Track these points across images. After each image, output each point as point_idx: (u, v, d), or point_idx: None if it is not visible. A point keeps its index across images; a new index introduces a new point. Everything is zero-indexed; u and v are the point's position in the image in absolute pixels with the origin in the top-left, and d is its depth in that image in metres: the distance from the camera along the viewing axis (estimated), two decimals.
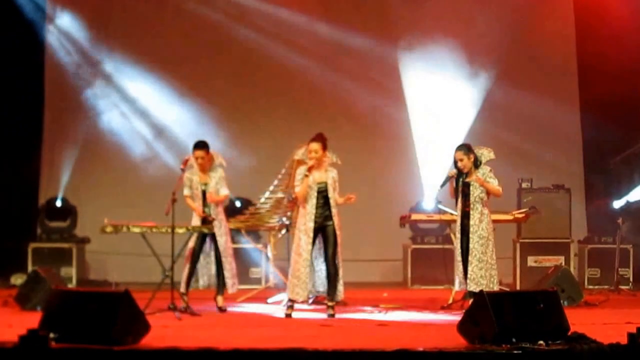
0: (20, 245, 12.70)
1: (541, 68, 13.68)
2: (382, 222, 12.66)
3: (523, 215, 11.09)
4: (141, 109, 13.68)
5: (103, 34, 13.71)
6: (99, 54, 13.70)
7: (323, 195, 9.43)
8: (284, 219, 10.89)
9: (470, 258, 9.55)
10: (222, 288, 9.97)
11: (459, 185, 9.74)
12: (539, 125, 13.47)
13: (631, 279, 12.29)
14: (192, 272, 9.92)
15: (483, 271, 9.51)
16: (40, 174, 13.63)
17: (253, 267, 12.57)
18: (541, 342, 6.76)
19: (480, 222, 9.59)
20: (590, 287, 12.17)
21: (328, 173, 9.48)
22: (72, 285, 12.26)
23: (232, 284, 9.98)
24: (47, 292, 8.85)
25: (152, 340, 7.08)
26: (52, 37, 13.70)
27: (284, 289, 9.98)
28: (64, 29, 13.71)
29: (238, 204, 12.66)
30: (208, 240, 9.96)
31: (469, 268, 9.55)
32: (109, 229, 9.42)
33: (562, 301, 7.77)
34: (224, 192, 9.98)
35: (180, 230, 9.54)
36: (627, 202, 12.57)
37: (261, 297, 10.97)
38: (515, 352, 6.55)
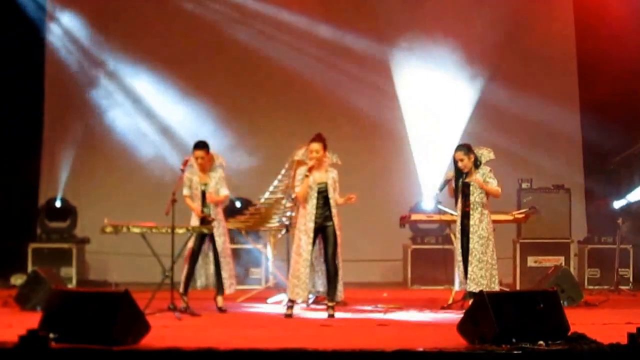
0: (20, 245, 12.70)
1: (541, 68, 13.68)
2: (382, 222, 12.65)
3: (523, 215, 11.09)
4: (142, 109, 13.68)
5: (104, 34, 13.70)
6: (99, 53, 13.69)
7: (323, 195, 9.43)
8: (284, 219, 10.89)
9: (470, 258, 9.56)
10: (222, 288, 9.97)
11: (459, 185, 9.74)
12: (538, 125, 13.46)
13: (631, 279, 12.29)
14: (192, 273, 9.92)
15: (483, 271, 9.52)
16: (40, 174, 13.62)
17: (253, 267, 12.57)
18: (541, 342, 6.76)
19: (481, 222, 9.59)
20: (590, 287, 12.17)
21: (328, 173, 9.49)
22: (72, 285, 12.25)
23: (229, 285, 9.98)
24: (47, 293, 8.84)
25: (152, 340, 7.08)
26: (52, 37, 13.70)
27: (284, 289, 9.98)
28: (64, 28, 13.71)
29: (238, 204, 12.67)
30: (206, 240, 9.96)
31: (469, 268, 9.56)
32: (109, 229, 9.42)
33: (562, 301, 7.77)
34: (224, 192, 9.98)
35: (180, 231, 9.54)
36: (627, 202, 12.57)
37: (261, 298, 10.97)
38: (515, 352, 6.55)
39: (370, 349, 6.73)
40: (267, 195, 11.02)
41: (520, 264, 12.15)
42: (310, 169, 9.33)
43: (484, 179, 9.64)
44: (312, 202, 9.41)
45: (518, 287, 11.88)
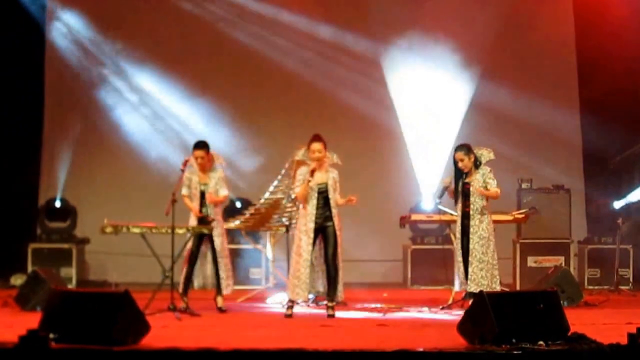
0: (20, 245, 12.70)
1: (541, 68, 13.68)
2: (382, 222, 12.65)
3: (523, 215, 11.10)
4: (142, 109, 13.68)
5: (104, 34, 13.70)
6: (100, 53, 13.69)
7: (323, 196, 9.44)
8: (284, 219, 10.89)
9: (470, 259, 9.56)
10: (220, 289, 9.98)
11: (459, 185, 9.75)
12: (538, 125, 13.46)
13: (631, 279, 12.29)
14: (191, 273, 9.92)
15: (484, 272, 9.52)
16: (40, 174, 13.63)
17: (253, 267, 12.57)
18: (541, 342, 6.76)
19: (481, 223, 9.59)
20: (590, 287, 12.18)
21: (328, 174, 9.49)
22: (72, 285, 12.25)
23: (226, 285, 9.98)
24: (47, 293, 8.83)
25: (152, 340, 7.08)
26: (52, 37, 13.70)
27: (284, 290, 9.98)
28: (65, 28, 13.71)
29: (238, 204, 12.67)
30: (204, 241, 9.96)
31: (470, 269, 9.56)
32: (108, 230, 9.42)
33: (562, 301, 7.77)
34: (224, 192, 9.98)
35: (180, 231, 9.54)
36: (627, 202, 12.57)
37: (261, 298, 10.97)
38: (515, 352, 6.55)
39: (370, 349, 6.73)
40: (267, 195, 11.02)
41: (520, 264, 12.15)
42: (312, 173, 9.33)
43: (484, 179, 9.64)
44: (313, 203, 9.41)
45: (518, 288, 11.88)
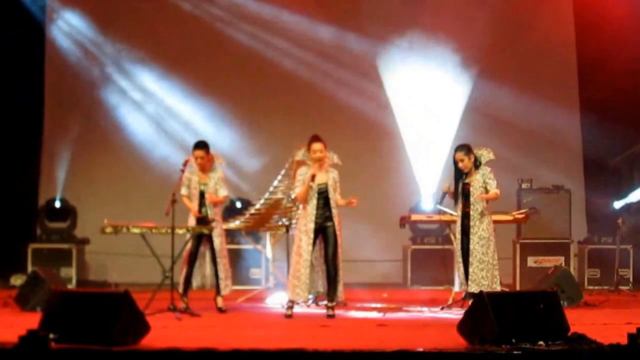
0: (20, 245, 12.69)
1: (541, 68, 13.68)
2: (382, 222, 12.65)
3: (523, 215, 11.10)
4: (143, 109, 13.68)
5: (105, 34, 13.70)
6: (100, 53, 13.70)
7: (324, 196, 9.44)
8: (284, 219, 10.89)
9: (470, 259, 9.55)
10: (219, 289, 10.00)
11: (459, 186, 9.75)
12: (538, 125, 13.46)
13: (631, 280, 12.29)
14: (190, 274, 9.92)
15: (484, 272, 9.51)
16: (40, 174, 13.63)
17: (253, 267, 12.58)
18: (541, 342, 6.76)
19: (481, 223, 9.59)
20: (590, 287, 12.18)
21: (329, 174, 9.49)
22: (72, 286, 12.25)
23: (225, 286, 9.98)
24: (47, 293, 8.84)
25: (152, 340, 7.08)
26: (53, 37, 13.70)
27: (284, 290, 9.98)
28: (65, 28, 13.71)
29: (238, 204, 12.68)
30: (203, 241, 9.96)
31: (470, 269, 9.55)
32: (108, 230, 9.42)
33: (562, 301, 7.77)
34: (223, 192, 9.99)
35: (180, 231, 9.54)
36: (628, 202, 12.57)
37: (261, 298, 10.97)
38: (515, 352, 6.55)
39: (370, 349, 6.72)
40: (267, 195, 11.02)
41: (520, 264, 12.15)
42: (312, 178, 9.33)
43: (484, 179, 9.64)
44: (313, 203, 9.41)
45: (518, 288, 11.88)
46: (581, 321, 8.02)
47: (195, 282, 10.05)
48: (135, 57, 13.65)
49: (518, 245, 12.21)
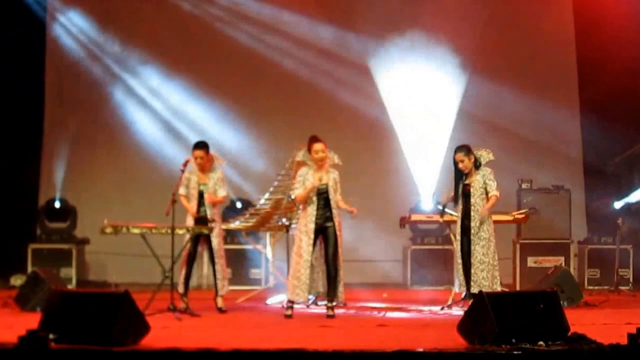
0: (20, 246, 12.69)
1: (541, 68, 13.67)
2: (382, 222, 12.65)
3: (523, 215, 11.09)
4: (143, 109, 13.67)
5: (105, 33, 13.68)
6: (100, 53, 13.69)
7: (324, 196, 9.45)
8: (284, 219, 10.89)
9: (472, 260, 9.55)
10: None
11: (460, 186, 9.75)
12: (538, 125, 13.46)
13: (631, 280, 12.28)
14: (190, 274, 9.92)
15: (485, 273, 9.51)
16: (40, 175, 13.62)
17: (253, 268, 12.58)
18: (541, 342, 6.76)
19: (482, 224, 9.58)
20: (590, 287, 12.17)
21: (329, 174, 9.50)
22: (71, 286, 12.24)
23: (222, 286, 9.98)
24: (46, 293, 8.84)
25: (152, 340, 7.09)
26: (53, 36, 13.69)
27: (284, 290, 9.98)
28: (65, 27, 13.70)
29: (239, 204, 12.67)
30: (201, 241, 9.95)
31: (471, 270, 9.55)
32: (108, 230, 9.42)
33: (562, 302, 7.77)
34: (222, 193, 9.99)
35: (180, 231, 9.54)
36: (628, 202, 12.57)
37: (261, 298, 10.97)
38: (515, 352, 6.55)
39: (370, 350, 6.73)
40: (267, 195, 11.02)
41: (520, 264, 12.15)
42: (312, 189, 9.34)
43: (484, 180, 9.63)
44: (313, 203, 9.41)
45: (518, 288, 11.88)
46: (581, 321, 8.03)
47: (192, 282, 10.04)
48: (135, 57, 13.64)
49: (518, 246, 12.20)
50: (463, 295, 9.87)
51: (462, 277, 9.71)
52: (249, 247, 12.29)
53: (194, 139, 10.78)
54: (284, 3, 13.63)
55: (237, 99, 13.59)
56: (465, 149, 9.75)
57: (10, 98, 13.13)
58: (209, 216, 9.85)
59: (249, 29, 13.59)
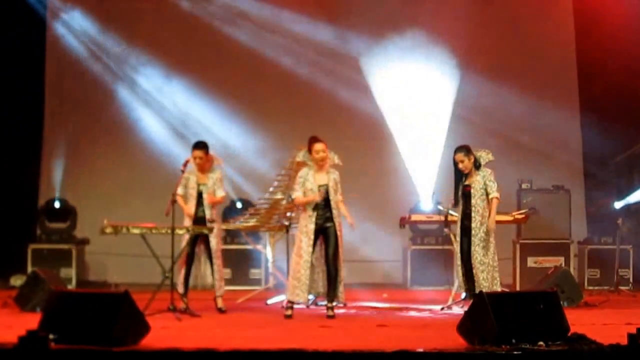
0: (19, 246, 12.68)
1: (541, 68, 13.67)
2: (382, 223, 12.65)
3: (523, 216, 11.09)
4: (143, 109, 13.66)
5: (106, 33, 13.66)
6: (100, 53, 13.68)
7: (324, 197, 9.43)
8: (284, 220, 10.89)
9: (472, 261, 9.55)
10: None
11: (460, 187, 9.74)
12: (538, 125, 13.46)
13: (631, 280, 12.28)
14: (189, 274, 9.91)
15: (485, 274, 9.51)
16: (40, 175, 13.62)
17: (253, 268, 12.58)
18: (541, 342, 6.76)
19: (482, 225, 9.58)
20: (590, 287, 12.17)
21: (329, 175, 9.50)
22: (71, 286, 12.24)
23: (219, 286, 9.97)
24: (46, 293, 8.83)
25: (151, 341, 7.09)
26: (53, 36, 13.69)
27: (284, 290, 9.98)
28: (65, 27, 13.70)
29: (239, 204, 12.67)
30: (198, 241, 9.95)
31: (472, 271, 9.55)
32: (108, 230, 9.42)
33: (562, 302, 7.77)
34: (221, 193, 9.99)
35: (180, 232, 9.54)
36: (627, 202, 12.57)
37: (261, 298, 10.97)
38: (515, 352, 6.55)
39: (370, 350, 6.73)
40: (267, 196, 11.02)
41: (520, 264, 12.14)
42: (311, 201, 9.36)
43: (484, 181, 9.63)
44: (314, 204, 9.42)
45: (518, 288, 11.88)
46: (581, 321, 8.03)
47: (189, 283, 10.04)
48: (136, 57, 13.64)
49: (518, 246, 12.20)
50: (463, 295, 9.87)
51: (462, 279, 9.71)
52: (249, 247, 12.29)
53: (194, 138, 10.77)
54: (284, 3, 13.63)
55: (238, 99, 13.58)
56: (465, 149, 9.75)
57: (10, 98, 13.12)
58: (207, 216, 9.85)
59: (250, 29, 13.58)
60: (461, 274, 9.71)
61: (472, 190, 9.64)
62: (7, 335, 6.85)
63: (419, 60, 13.23)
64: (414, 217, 11.43)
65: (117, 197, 13.30)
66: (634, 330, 6.45)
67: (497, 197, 9.59)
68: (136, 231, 9.48)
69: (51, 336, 6.60)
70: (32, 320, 7.20)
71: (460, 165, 9.69)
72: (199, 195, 9.90)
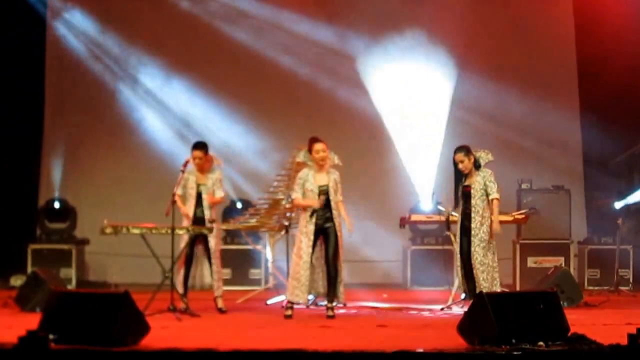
0: (19, 246, 12.68)
1: (541, 68, 13.67)
2: (382, 223, 12.65)
3: (523, 216, 11.09)
4: (143, 109, 13.66)
5: (106, 33, 13.66)
6: (100, 53, 13.68)
7: (325, 197, 9.43)
8: (284, 220, 10.89)
9: (472, 261, 9.55)
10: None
11: (460, 187, 9.74)
12: (538, 125, 13.46)
13: (631, 280, 12.26)
14: (188, 274, 9.91)
15: (485, 274, 9.50)
16: (40, 175, 13.62)
17: (253, 268, 12.58)
18: (541, 343, 6.76)
19: (482, 226, 9.57)
20: (590, 287, 12.16)
21: (330, 175, 9.50)
22: (71, 286, 12.24)
23: (218, 287, 9.96)
24: (46, 293, 8.83)
25: (151, 341, 7.08)
26: (53, 36, 13.69)
27: (284, 291, 9.98)
28: (66, 27, 13.70)
29: (239, 204, 12.67)
30: (196, 241, 9.95)
31: (472, 272, 9.55)
32: (108, 230, 9.42)
33: (562, 302, 7.77)
34: (220, 194, 9.99)
35: (180, 232, 9.54)
36: (627, 203, 12.56)
37: (261, 299, 10.96)
38: (515, 353, 6.55)
39: (370, 350, 6.73)
40: (266, 196, 11.02)
41: (520, 264, 12.14)
42: (310, 205, 9.37)
43: (484, 181, 9.62)
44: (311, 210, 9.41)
45: (518, 288, 11.87)
46: (581, 321, 8.03)
47: (188, 283, 10.03)
48: (136, 57, 13.64)
49: (518, 246, 12.19)
50: (462, 295, 9.87)
51: (461, 280, 9.71)
52: (248, 247, 12.28)
53: (194, 138, 10.77)
54: (284, 2, 13.63)
55: (238, 99, 13.57)
56: (464, 149, 9.74)
57: (10, 98, 13.12)
58: (207, 217, 9.85)
59: (250, 28, 13.58)
60: (461, 274, 9.70)
61: (472, 191, 9.64)
62: (7, 335, 6.86)
63: (419, 60, 13.23)
64: (414, 217, 11.43)
65: (117, 197, 13.30)
66: (634, 330, 6.45)
67: (497, 198, 9.59)
68: (136, 231, 9.48)
69: (51, 336, 6.60)
70: (32, 320, 7.20)
71: (460, 166, 9.68)
72: (198, 195, 9.90)
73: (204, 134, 12.64)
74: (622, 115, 12.97)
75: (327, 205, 9.44)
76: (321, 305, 9.83)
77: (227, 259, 11.94)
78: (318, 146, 9.43)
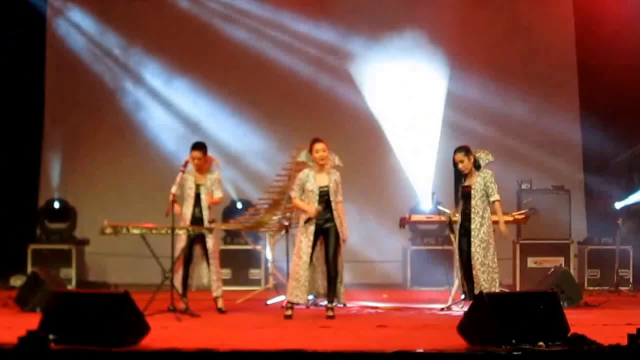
0: (19, 246, 12.68)
1: (541, 68, 13.67)
2: (382, 223, 12.65)
3: (523, 216, 11.09)
4: (143, 109, 13.66)
5: (107, 32, 13.67)
6: (100, 53, 13.68)
7: (325, 198, 9.44)
8: (284, 220, 10.89)
9: (472, 262, 9.54)
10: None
11: (460, 188, 9.74)
12: (538, 126, 13.46)
13: (631, 280, 12.27)
14: (187, 274, 9.91)
15: (485, 275, 9.49)
16: (40, 175, 13.62)
17: (252, 268, 12.58)
18: (541, 343, 6.76)
19: (482, 226, 9.56)
20: (590, 288, 12.17)
21: (330, 175, 9.49)
22: (71, 286, 12.24)
23: (217, 287, 9.96)
24: (46, 294, 8.84)
25: (151, 341, 7.08)
26: (54, 36, 13.69)
27: (284, 291, 9.98)
28: (66, 27, 13.70)
29: (239, 204, 12.67)
30: (194, 242, 9.94)
31: (472, 272, 9.55)
32: (108, 231, 9.41)
33: (562, 302, 7.77)
34: (218, 194, 9.99)
35: (180, 232, 9.54)
36: (627, 203, 12.57)
37: (261, 299, 10.96)
38: (515, 353, 6.55)
39: (370, 350, 6.73)
40: (266, 196, 11.02)
41: (520, 264, 12.15)
42: (307, 211, 9.37)
43: (485, 182, 9.61)
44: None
45: (518, 288, 11.88)
46: (581, 322, 8.02)
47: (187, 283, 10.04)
48: (136, 57, 13.64)
49: (518, 246, 12.20)
50: (462, 296, 9.87)
51: (461, 280, 9.70)
52: (248, 247, 12.28)
53: (194, 139, 10.77)
54: (285, 2, 13.63)
55: (238, 99, 13.58)
56: (464, 149, 9.73)
57: (10, 97, 13.12)
58: (205, 217, 9.85)
59: (250, 28, 13.58)
60: (460, 274, 9.70)
61: (472, 191, 9.62)
62: (7, 335, 6.86)
63: (418, 60, 13.22)
64: (414, 218, 11.43)
65: (117, 197, 13.30)
66: (634, 331, 6.45)
67: (498, 200, 9.58)
68: (136, 231, 9.48)
69: (51, 336, 6.60)
70: (32, 321, 7.20)
71: (460, 166, 9.68)
72: (197, 196, 9.90)
73: (203, 133, 12.63)
74: (622, 115, 12.97)
75: (327, 205, 9.44)
76: (321, 306, 9.83)
77: (227, 259, 11.96)
78: (318, 146, 9.43)
